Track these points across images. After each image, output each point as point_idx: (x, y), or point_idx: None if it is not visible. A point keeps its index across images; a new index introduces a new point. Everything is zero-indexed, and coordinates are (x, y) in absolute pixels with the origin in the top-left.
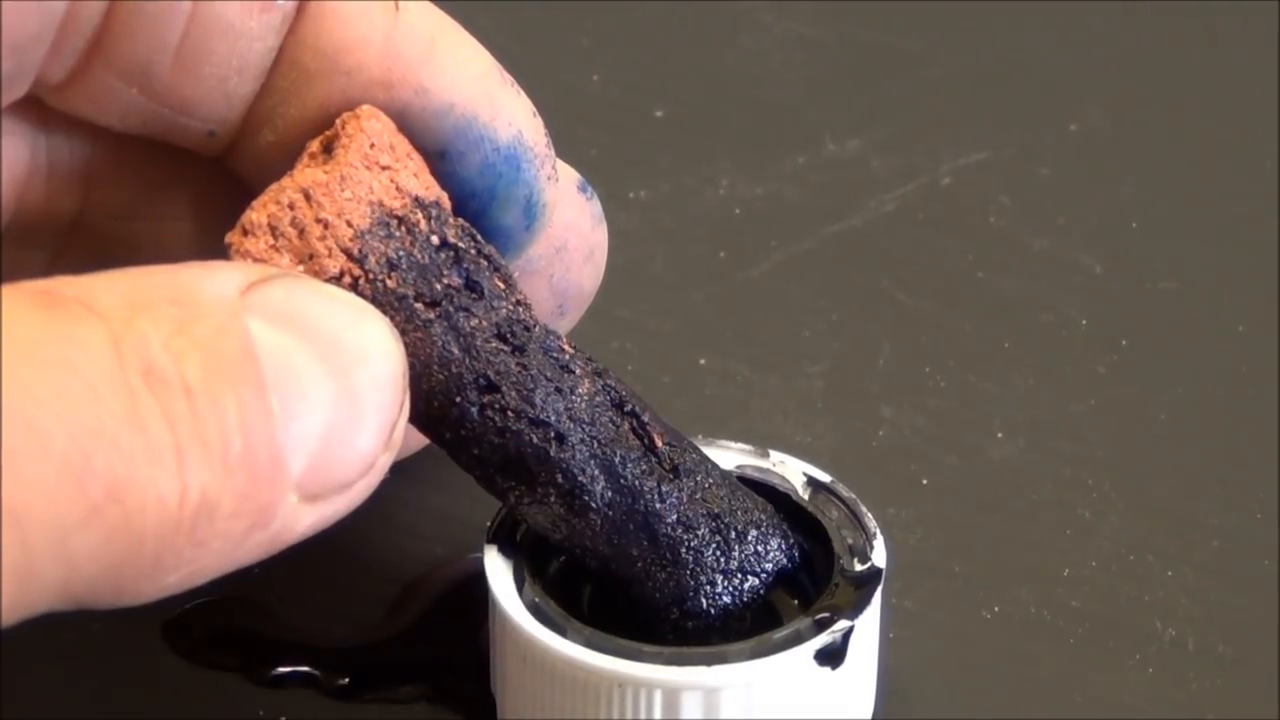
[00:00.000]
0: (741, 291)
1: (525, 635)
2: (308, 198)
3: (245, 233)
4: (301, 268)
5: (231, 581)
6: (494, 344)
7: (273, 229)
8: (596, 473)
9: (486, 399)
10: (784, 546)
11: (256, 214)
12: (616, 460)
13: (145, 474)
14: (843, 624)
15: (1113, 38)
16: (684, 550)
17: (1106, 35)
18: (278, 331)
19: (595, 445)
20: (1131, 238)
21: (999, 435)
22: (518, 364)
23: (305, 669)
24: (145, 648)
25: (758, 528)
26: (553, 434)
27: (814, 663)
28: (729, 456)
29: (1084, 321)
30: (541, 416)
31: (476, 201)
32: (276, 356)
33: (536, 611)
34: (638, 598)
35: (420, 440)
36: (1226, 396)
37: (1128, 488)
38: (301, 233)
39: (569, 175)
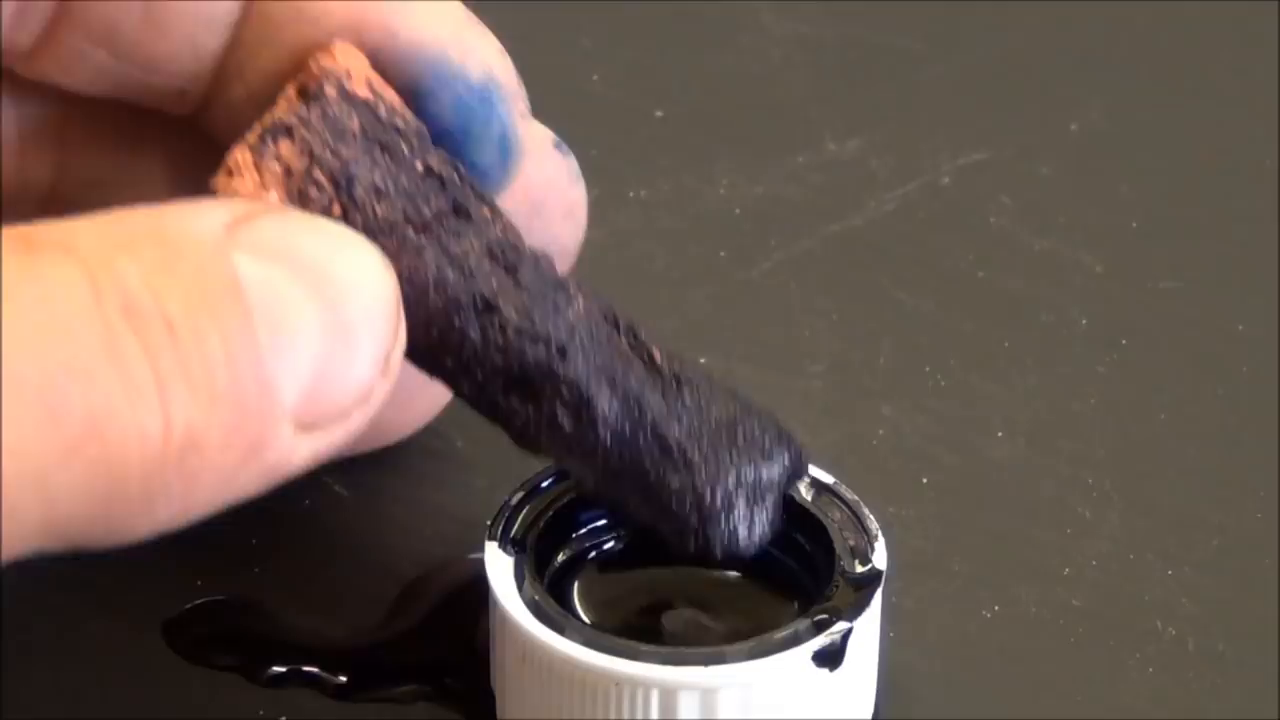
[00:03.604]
0: (741, 291)
1: (524, 633)
2: (289, 132)
3: (230, 173)
4: (289, 202)
5: (231, 581)
6: (487, 264)
7: (257, 166)
8: (601, 384)
9: (485, 318)
10: (792, 452)
11: (240, 153)
12: (619, 373)
13: (125, 409)
14: (841, 625)
15: (1113, 38)
16: (696, 455)
17: (1106, 35)
18: (265, 265)
19: (597, 359)
20: (1131, 238)
21: (999, 435)
22: (512, 282)
23: (305, 669)
24: (145, 648)
25: (764, 432)
26: (555, 348)
27: (812, 664)
28: None
29: (1084, 321)
30: (542, 331)
31: (450, 141)
32: (264, 290)
33: (536, 609)
34: (654, 515)
35: (425, 415)
36: (1226, 396)
37: (1128, 487)
38: (287, 167)
39: (544, 134)
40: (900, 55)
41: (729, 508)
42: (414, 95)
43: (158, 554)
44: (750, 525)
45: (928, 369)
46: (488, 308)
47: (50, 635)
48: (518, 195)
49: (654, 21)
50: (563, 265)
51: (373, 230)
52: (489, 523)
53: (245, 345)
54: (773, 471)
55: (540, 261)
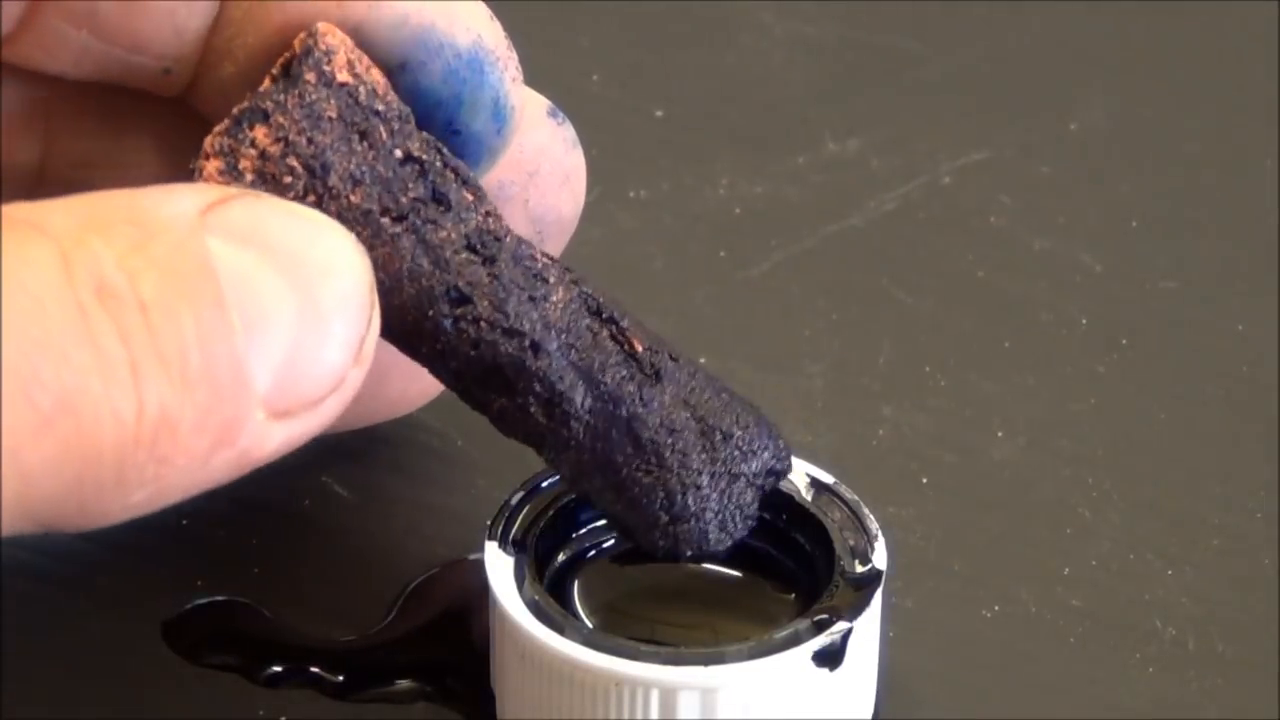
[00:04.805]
0: (741, 291)
1: (524, 633)
2: (265, 117)
3: (207, 157)
4: (264, 187)
5: (231, 581)
6: (464, 255)
7: (234, 151)
8: (575, 380)
9: (459, 311)
10: (774, 449)
11: (217, 138)
12: (595, 367)
13: (98, 388)
14: (841, 625)
15: (1113, 38)
16: (668, 453)
17: (1106, 35)
18: (238, 250)
19: (573, 353)
20: (1131, 238)
21: (999, 435)
22: (489, 274)
23: (305, 669)
24: (145, 648)
25: (744, 429)
26: (528, 343)
27: (812, 664)
28: None
29: (1084, 321)
30: (516, 326)
31: (443, 110)
32: (237, 274)
33: (536, 609)
34: (626, 511)
35: (423, 395)
36: (1226, 396)
37: (1128, 487)
38: (262, 152)
39: (539, 101)
40: (900, 55)
41: (700, 506)
42: (404, 67)
43: (158, 554)
44: (722, 524)
45: (928, 369)
46: (461, 300)
47: (50, 635)
48: (511, 163)
49: (654, 21)
50: (561, 235)
51: (346, 219)
52: (489, 523)
53: (218, 329)
54: (750, 468)
55: (521, 249)
